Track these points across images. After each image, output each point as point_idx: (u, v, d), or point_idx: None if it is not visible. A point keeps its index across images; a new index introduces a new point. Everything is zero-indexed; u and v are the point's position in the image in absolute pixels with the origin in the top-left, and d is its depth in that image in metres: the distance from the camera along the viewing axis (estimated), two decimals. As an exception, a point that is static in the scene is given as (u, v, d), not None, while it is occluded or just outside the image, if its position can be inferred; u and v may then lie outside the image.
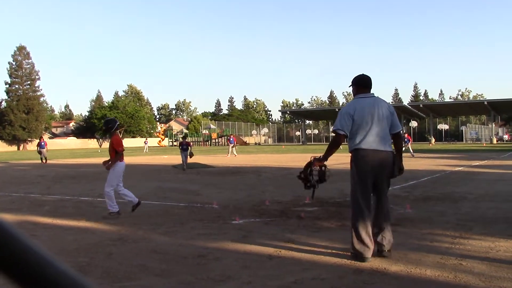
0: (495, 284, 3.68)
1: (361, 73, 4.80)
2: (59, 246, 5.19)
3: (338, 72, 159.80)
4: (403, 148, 27.31)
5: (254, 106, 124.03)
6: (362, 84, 4.72)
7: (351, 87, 4.80)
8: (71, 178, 14.66)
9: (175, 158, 26.24)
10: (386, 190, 4.63)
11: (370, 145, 4.45)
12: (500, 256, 4.52)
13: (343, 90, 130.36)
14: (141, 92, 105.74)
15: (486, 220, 6.38)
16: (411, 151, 24.80)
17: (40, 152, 25.26)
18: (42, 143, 25.37)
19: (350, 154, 4.64)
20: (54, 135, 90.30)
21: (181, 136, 17.98)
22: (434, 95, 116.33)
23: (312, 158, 4.87)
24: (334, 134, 4.74)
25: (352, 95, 4.85)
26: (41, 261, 0.41)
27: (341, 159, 12.31)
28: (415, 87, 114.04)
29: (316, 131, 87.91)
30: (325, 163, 4.83)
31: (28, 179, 14.87)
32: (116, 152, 7.41)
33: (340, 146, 4.70)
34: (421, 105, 64.68)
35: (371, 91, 4.74)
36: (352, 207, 4.57)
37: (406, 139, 23.67)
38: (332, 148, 4.69)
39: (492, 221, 6.27)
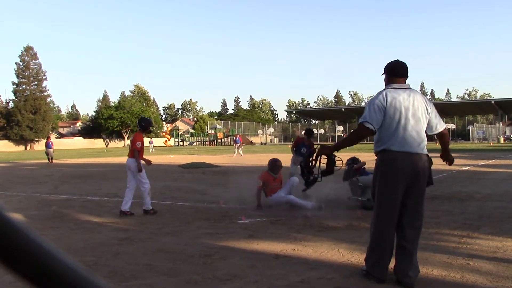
0: (502, 284, 3.66)
1: (396, 59, 4.02)
2: (66, 245, 5.22)
3: (344, 72, 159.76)
4: None
5: (260, 105, 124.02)
6: (396, 72, 3.90)
7: (383, 75, 3.98)
8: (78, 178, 14.73)
9: (181, 158, 26.29)
10: (421, 203, 3.81)
11: (402, 146, 3.68)
12: (507, 255, 4.49)
13: (349, 90, 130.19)
14: (148, 92, 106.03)
15: (493, 219, 6.34)
16: None
17: (47, 153, 25.49)
18: (49, 143, 25.60)
19: (376, 157, 3.92)
20: (60, 135, 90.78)
21: (305, 129, 9.78)
22: (440, 95, 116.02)
23: (318, 147, 4.10)
24: (358, 126, 3.90)
25: (384, 84, 3.98)
26: (50, 256, 0.41)
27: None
28: (422, 86, 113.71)
29: (322, 131, 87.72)
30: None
31: (35, 178, 14.96)
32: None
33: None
34: (427, 105, 64.29)
35: (407, 82, 3.93)
36: (373, 221, 3.85)
37: None
38: (352, 139, 3.92)
39: (500, 221, 6.23)
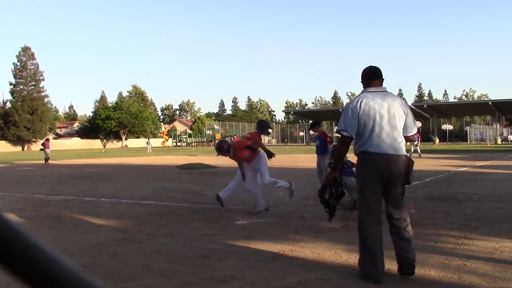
0: (500, 285, 3.66)
1: (369, 65, 4.21)
2: (63, 246, 5.21)
3: (342, 73, 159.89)
4: (412, 148, 26.16)
5: (258, 106, 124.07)
6: (370, 76, 4.07)
7: (361, 83, 4.16)
8: (75, 179, 14.71)
9: (179, 159, 26.29)
10: (400, 200, 3.92)
11: (379, 148, 3.82)
12: (505, 256, 4.50)
13: (347, 91, 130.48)
14: (145, 93, 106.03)
15: (491, 220, 6.35)
16: (419, 151, 24.50)
17: (47, 153, 25.83)
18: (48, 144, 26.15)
19: (356, 157, 4.08)
20: (58, 136, 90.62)
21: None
22: (438, 95, 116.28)
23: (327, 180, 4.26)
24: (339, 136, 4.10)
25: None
26: (47, 258, 0.41)
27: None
28: (419, 87, 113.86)
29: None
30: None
31: (32, 179, 14.93)
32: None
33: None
34: (425, 105, 64.55)
35: (383, 85, 4.09)
36: (358, 220, 3.98)
37: (415, 137, 23.26)
38: (339, 152, 4.11)
39: (497, 222, 6.24)
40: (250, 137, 8.15)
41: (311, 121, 10.23)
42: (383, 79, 4.10)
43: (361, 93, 4.05)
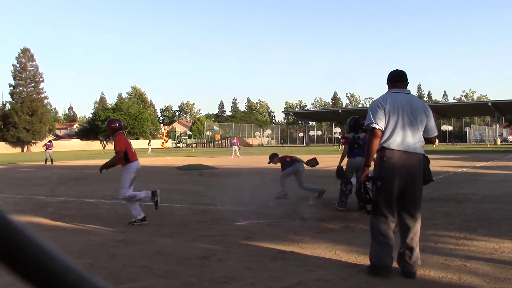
0: (499, 285, 3.66)
1: (396, 68, 4.35)
2: (63, 248, 5.20)
3: (342, 73, 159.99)
4: None
5: (257, 107, 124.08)
6: (395, 78, 4.22)
7: (387, 84, 4.31)
8: (75, 180, 14.70)
9: (179, 160, 26.27)
10: (418, 200, 4.06)
11: (399, 145, 3.92)
12: (504, 257, 4.50)
13: (346, 92, 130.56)
14: (145, 94, 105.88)
15: (490, 221, 6.35)
16: None
17: (49, 154, 26.00)
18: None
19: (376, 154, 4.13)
20: (57, 137, 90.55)
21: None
22: (437, 96, 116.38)
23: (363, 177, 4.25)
24: (368, 131, 4.16)
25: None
26: (50, 257, 0.41)
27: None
28: (419, 88, 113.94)
29: (319, 132, 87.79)
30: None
31: (32, 180, 14.91)
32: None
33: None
34: (424, 106, 64.54)
35: (408, 88, 4.25)
36: (373, 212, 4.06)
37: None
38: (369, 147, 4.03)
39: (497, 222, 6.25)
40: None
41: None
42: (408, 82, 4.26)
43: (386, 92, 4.21)
